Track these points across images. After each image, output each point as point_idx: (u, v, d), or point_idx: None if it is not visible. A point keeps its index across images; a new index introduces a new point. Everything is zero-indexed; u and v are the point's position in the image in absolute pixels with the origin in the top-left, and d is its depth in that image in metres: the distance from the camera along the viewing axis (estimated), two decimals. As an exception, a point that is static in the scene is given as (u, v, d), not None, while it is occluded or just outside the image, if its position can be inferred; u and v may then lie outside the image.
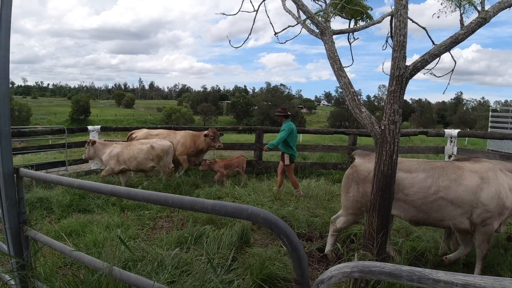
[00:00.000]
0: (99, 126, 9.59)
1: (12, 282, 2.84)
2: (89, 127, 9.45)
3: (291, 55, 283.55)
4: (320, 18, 4.29)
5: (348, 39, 5.56)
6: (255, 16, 5.19)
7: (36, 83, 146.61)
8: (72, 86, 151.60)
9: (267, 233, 4.94)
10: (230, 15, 4.94)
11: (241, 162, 7.95)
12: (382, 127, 3.36)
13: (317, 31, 4.16)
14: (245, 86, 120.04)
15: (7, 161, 2.69)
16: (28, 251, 2.80)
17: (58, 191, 6.31)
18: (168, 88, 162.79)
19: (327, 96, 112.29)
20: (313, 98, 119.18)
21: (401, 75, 3.38)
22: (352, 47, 5.37)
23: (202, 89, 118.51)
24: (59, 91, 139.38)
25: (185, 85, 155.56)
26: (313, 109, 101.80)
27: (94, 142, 7.35)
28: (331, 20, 4.36)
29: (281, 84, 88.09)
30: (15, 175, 2.76)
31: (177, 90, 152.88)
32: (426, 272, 1.28)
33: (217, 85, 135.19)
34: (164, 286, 1.79)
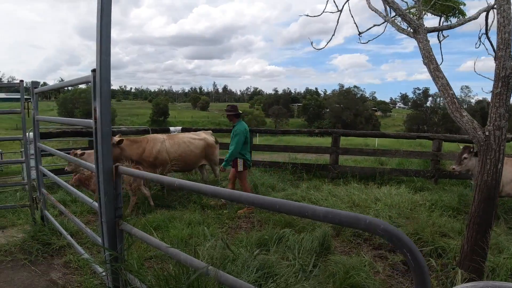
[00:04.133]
0: (180, 127, 10.05)
1: (104, 273, 2.98)
2: (171, 128, 9.94)
3: (364, 55, 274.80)
4: (412, 15, 4.05)
5: (438, 37, 5.20)
6: (339, 16, 5.06)
7: (120, 87, 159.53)
8: (152, 90, 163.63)
9: (346, 240, 4.76)
10: (314, 16, 4.82)
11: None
12: (487, 133, 3.06)
13: (408, 29, 3.93)
14: (316, 88, 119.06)
15: (107, 158, 2.82)
16: (122, 245, 2.88)
17: (143, 188, 6.70)
18: (240, 91, 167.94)
19: (403, 98, 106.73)
20: (388, 100, 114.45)
21: (507, 75, 3.07)
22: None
23: (273, 92, 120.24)
24: (141, 94, 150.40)
25: (257, 88, 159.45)
26: (388, 112, 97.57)
27: (83, 154, 6.04)
28: (423, 17, 4.10)
29: (355, 86, 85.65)
30: (113, 172, 2.89)
31: (249, 93, 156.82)
32: None
33: (288, 88, 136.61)
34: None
